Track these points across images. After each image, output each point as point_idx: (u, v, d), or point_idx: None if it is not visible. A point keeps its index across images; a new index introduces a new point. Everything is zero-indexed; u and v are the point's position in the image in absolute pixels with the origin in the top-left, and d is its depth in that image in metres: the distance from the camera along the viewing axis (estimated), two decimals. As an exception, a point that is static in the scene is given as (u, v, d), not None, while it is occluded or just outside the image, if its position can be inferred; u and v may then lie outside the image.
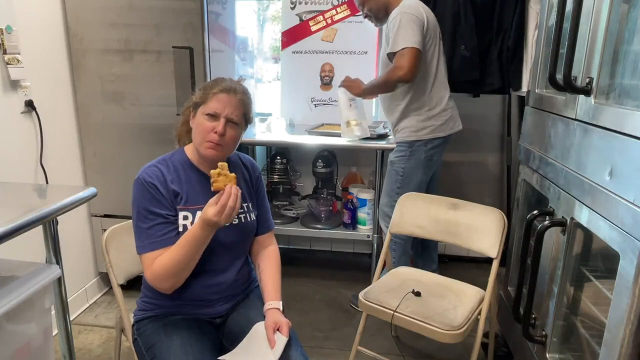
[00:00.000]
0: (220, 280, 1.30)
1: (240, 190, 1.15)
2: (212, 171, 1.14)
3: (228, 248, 1.29)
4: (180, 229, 1.23)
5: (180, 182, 1.26)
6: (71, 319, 1.73)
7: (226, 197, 1.11)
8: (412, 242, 2.34)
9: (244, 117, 1.28)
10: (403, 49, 1.93)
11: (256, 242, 1.42)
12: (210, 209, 1.12)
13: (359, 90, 2.24)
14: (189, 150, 1.32)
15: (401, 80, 1.98)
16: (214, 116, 1.22)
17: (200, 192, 1.27)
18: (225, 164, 1.15)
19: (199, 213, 1.25)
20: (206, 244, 1.19)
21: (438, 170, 2.31)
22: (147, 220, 1.20)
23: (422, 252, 2.36)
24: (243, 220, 1.32)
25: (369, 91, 2.24)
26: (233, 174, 1.15)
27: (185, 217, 1.24)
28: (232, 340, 1.28)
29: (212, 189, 1.13)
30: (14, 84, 1.82)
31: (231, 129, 1.24)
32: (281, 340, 1.19)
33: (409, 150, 2.14)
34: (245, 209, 1.34)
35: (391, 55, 1.98)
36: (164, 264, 1.18)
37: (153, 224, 1.20)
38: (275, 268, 1.38)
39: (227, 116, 1.23)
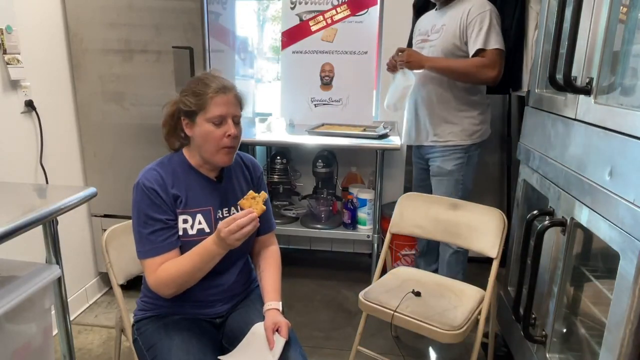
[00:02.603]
0: (221, 281, 1.31)
1: (258, 224, 1.14)
2: (251, 191, 1.17)
3: (230, 251, 1.28)
4: (180, 233, 1.23)
5: (180, 186, 1.25)
6: (71, 319, 1.73)
7: (241, 218, 1.10)
8: (419, 242, 2.33)
9: (241, 110, 1.28)
10: (497, 49, 1.87)
11: (257, 242, 1.42)
12: (223, 226, 1.10)
13: (419, 64, 1.96)
14: (187, 153, 1.30)
15: (488, 82, 1.91)
16: (220, 122, 1.20)
17: (200, 195, 1.27)
18: (265, 195, 1.18)
19: (198, 216, 1.25)
20: (216, 260, 1.18)
21: None
22: (148, 225, 1.19)
23: (426, 252, 2.34)
24: None
25: (435, 68, 1.96)
26: (263, 207, 1.15)
27: (185, 221, 1.24)
28: (231, 340, 1.28)
29: (239, 203, 1.16)
30: (14, 84, 1.82)
31: (237, 126, 1.24)
32: (280, 341, 1.19)
33: (465, 156, 2.05)
34: None
35: (479, 51, 1.88)
36: (170, 272, 1.18)
37: (153, 230, 1.19)
38: (275, 268, 1.38)
39: (232, 116, 1.22)
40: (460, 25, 1.91)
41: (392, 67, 2.06)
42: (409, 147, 2.36)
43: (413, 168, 2.36)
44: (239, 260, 1.36)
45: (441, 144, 2.06)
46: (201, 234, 1.24)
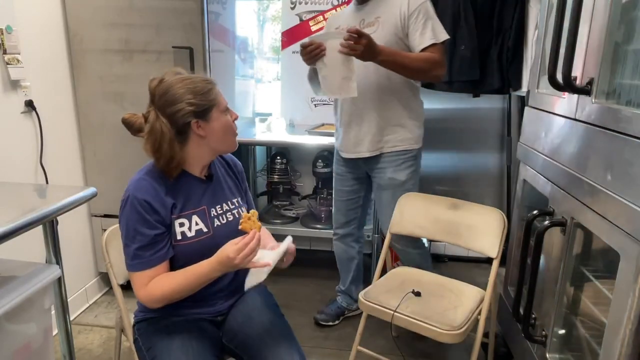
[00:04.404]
0: (221, 277, 1.30)
1: (260, 238, 1.14)
2: (244, 214, 1.16)
3: (224, 244, 1.27)
4: (179, 237, 1.22)
5: (173, 191, 1.23)
6: (71, 319, 1.72)
7: (249, 239, 1.11)
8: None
9: None
10: (444, 42, 1.75)
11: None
12: (230, 247, 1.11)
13: (372, 55, 1.62)
14: None
15: (437, 79, 1.81)
16: (226, 109, 1.25)
17: (193, 197, 1.26)
18: (256, 213, 1.18)
19: (194, 217, 1.24)
20: (213, 279, 1.18)
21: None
22: (136, 240, 1.17)
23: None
24: (237, 215, 1.32)
25: (389, 63, 1.69)
26: (259, 224, 1.17)
27: (182, 224, 1.23)
28: (231, 337, 1.29)
29: (240, 227, 1.15)
30: (14, 84, 1.83)
31: None
32: (284, 245, 1.20)
33: (415, 163, 1.91)
34: (236, 204, 1.35)
35: (431, 47, 1.73)
36: (163, 289, 1.17)
37: (141, 245, 1.17)
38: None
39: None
40: (401, 16, 1.76)
41: (313, 55, 1.68)
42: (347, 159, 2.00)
43: (334, 182, 2.11)
44: None
45: (390, 151, 1.87)
46: (200, 234, 1.24)
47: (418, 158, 1.93)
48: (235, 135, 1.29)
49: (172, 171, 1.22)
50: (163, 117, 1.18)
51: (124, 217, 1.19)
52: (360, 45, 1.57)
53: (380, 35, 1.77)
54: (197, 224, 1.25)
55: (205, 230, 1.25)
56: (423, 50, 1.75)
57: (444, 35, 1.77)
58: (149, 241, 1.17)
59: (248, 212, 1.29)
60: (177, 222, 1.22)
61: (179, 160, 1.21)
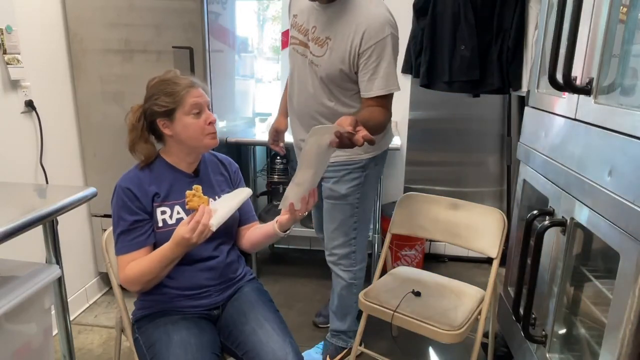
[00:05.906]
0: (213, 264, 1.33)
1: (212, 211, 1.15)
2: (187, 192, 1.15)
3: (212, 236, 1.25)
4: (160, 224, 1.27)
5: (158, 183, 1.29)
6: (71, 319, 1.73)
7: (199, 216, 1.13)
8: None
9: None
10: (390, 92, 1.54)
11: (240, 232, 1.45)
12: (183, 228, 1.14)
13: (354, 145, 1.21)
14: (164, 154, 1.34)
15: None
16: (199, 112, 1.27)
17: (179, 189, 1.30)
18: (200, 187, 1.17)
19: (177, 207, 1.29)
20: (176, 262, 1.23)
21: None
22: (119, 225, 1.26)
23: None
24: None
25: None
26: (206, 197, 1.17)
27: (163, 212, 1.28)
28: (227, 334, 1.31)
29: (187, 207, 1.15)
30: (14, 84, 1.83)
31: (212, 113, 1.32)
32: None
33: (363, 175, 1.70)
34: None
35: (382, 97, 1.53)
36: (134, 272, 1.23)
37: (122, 230, 1.25)
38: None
39: (206, 104, 1.30)
40: (351, 51, 1.51)
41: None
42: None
43: None
44: (224, 245, 1.38)
45: (333, 162, 1.66)
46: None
47: (368, 169, 1.70)
48: (208, 135, 1.29)
49: (139, 159, 1.31)
50: (140, 112, 1.29)
51: (112, 206, 1.27)
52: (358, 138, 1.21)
53: (327, 64, 1.57)
54: (178, 213, 1.29)
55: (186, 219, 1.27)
56: (369, 98, 1.54)
57: (394, 87, 1.54)
58: (129, 226, 1.24)
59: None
60: (158, 210, 1.27)
61: (149, 152, 1.30)
